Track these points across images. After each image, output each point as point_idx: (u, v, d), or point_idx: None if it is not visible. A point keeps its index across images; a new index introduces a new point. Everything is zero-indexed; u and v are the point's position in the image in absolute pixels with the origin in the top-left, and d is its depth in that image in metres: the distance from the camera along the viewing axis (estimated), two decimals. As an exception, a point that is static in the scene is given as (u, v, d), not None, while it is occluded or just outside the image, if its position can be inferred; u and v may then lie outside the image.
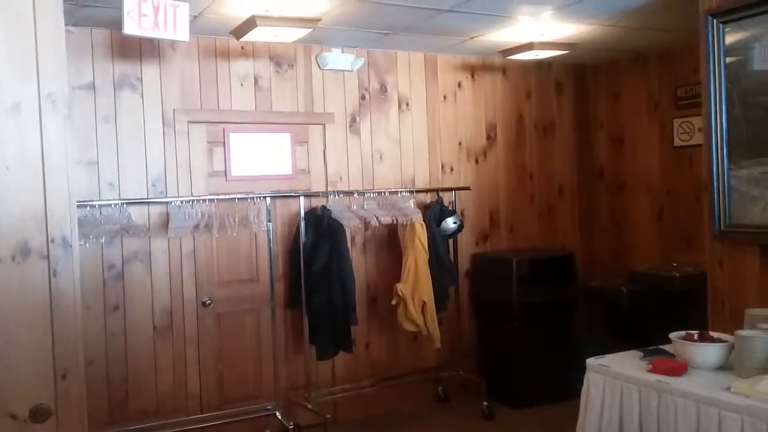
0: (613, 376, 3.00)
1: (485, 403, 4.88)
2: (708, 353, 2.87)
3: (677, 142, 5.36)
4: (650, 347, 3.28)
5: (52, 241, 2.01)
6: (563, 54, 4.92)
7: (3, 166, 1.93)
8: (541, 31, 4.46)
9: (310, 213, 4.56)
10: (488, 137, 5.55)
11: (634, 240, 5.75)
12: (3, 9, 1.94)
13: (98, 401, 4.00)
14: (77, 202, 3.69)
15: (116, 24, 3.37)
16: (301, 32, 3.73)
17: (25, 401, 1.93)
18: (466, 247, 5.36)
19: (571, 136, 5.96)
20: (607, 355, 3.23)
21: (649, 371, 2.91)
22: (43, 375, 1.97)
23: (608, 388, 3.01)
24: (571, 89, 5.95)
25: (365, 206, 4.68)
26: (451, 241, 5.14)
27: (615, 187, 5.92)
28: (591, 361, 3.16)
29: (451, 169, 5.36)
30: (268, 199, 4.39)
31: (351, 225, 4.58)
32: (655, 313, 4.79)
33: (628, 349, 3.31)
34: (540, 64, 5.62)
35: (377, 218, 4.60)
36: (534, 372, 5.04)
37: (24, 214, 1.96)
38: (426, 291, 4.69)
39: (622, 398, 2.92)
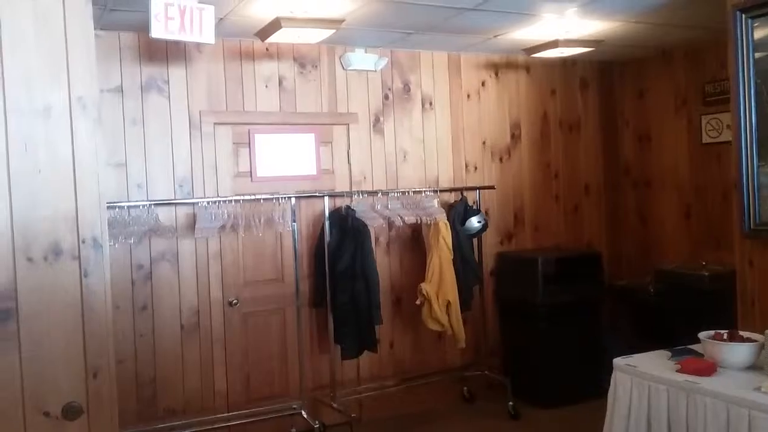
0: (640, 376, 2.98)
1: (511, 403, 4.86)
2: (737, 353, 2.84)
3: (705, 139, 5.28)
4: (678, 347, 3.25)
5: (83, 242, 2.05)
6: (588, 51, 4.87)
7: (35, 169, 1.98)
8: (565, 28, 4.42)
9: (335, 213, 4.58)
10: (512, 136, 5.52)
11: (661, 238, 5.68)
12: (34, 14, 1.98)
13: (127, 400, 4.06)
14: (106, 203, 3.78)
15: (143, 27, 3.42)
16: (325, 33, 3.75)
17: (57, 399, 1.97)
18: (490, 247, 5.34)
19: (596, 134, 5.91)
20: (634, 355, 3.20)
21: (678, 371, 2.88)
22: (74, 374, 2.01)
23: (636, 388, 2.98)
24: (596, 86, 5.90)
25: (389, 206, 4.68)
26: (475, 241, 5.13)
27: (642, 185, 5.85)
28: (618, 361, 3.14)
29: (475, 168, 5.34)
30: (293, 200, 4.43)
31: (375, 225, 4.59)
32: (684, 312, 4.73)
33: (656, 349, 3.27)
34: (564, 62, 5.58)
35: (401, 218, 4.61)
36: (560, 371, 5.00)
37: (56, 215, 2.00)
38: (450, 290, 4.69)
39: (650, 398, 2.90)
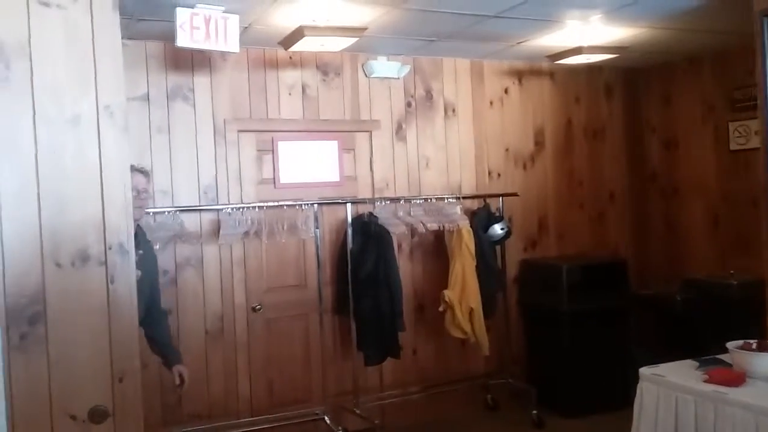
0: (667, 386, 2.94)
1: (535, 412, 4.82)
2: (767, 363, 2.78)
3: (733, 146, 5.20)
4: (706, 357, 3.20)
5: (110, 248, 2.08)
6: (613, 57, 4.83)
7: (64, 176, 2.02)
8: (590, 34, 4.39)
9: (357, 220, 4.60)
10: (536, 143, 5.50)
11: (688, 246, 5.60)
12: (63, 25, 2.02)
13: (152, 404, 4.10)
14: (132, 210, 3.84)
15: (169, 37, 3.48)
16: (348, 41, 3.78)
17: (84, 402, 2.00)
18: (514, 254, 5.31)
19: (621, 141, 5.86)
20: (661, 365, 3.16)
21: (706, 381, 2.84)
22: (101, 377, 2.04)
23: (663, 398, 2.95)
24: (621, 93, 5.85)
25: (412, 213, 4.69)
26: (498, 248, 5.10)
27: (668, 192, 5.78)
28: (644, 371, 3.10)
29: (499, 175, 5.32)
30: (316, 206, 4.45)
31: (398, 231, 4.59)
32: (711, 321, 4.65)
33: (683, 359, 3.23)
34: (589, 68, 5.54)
35: (424, 224, 4.61)
36: (585, 380, 4.94)
37: (83, 222, 2.04)
38: (473, 297, 4.67)
39: (677, 409, 2.86)
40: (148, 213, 3.92)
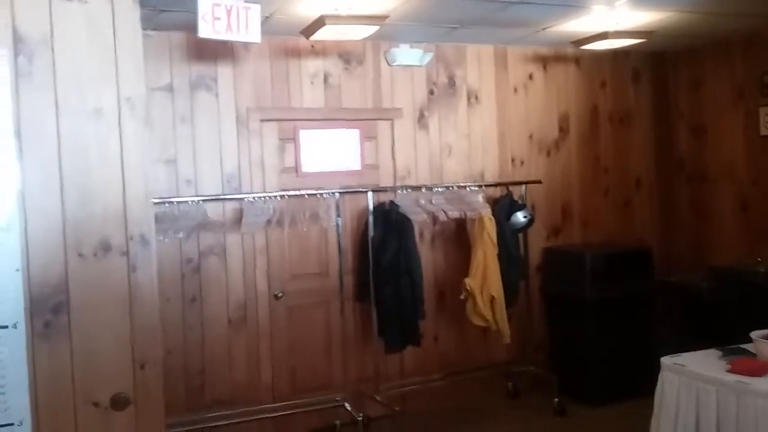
0: (689, 376, 2.91)
1: (556, 400, 4.81)
2: (792, 355, 2.74)
3: (764, 132, 5.09)
4: (730, 346, 3.16)
5: (131, 238, 2.12)
6: (640, 42, 4.74)
7: (86, 168, 2.05)
8: (615, 19, 4.31)
9: (379, 208, 4.60)
10: (560, 129, 5.43)
11: (716, 234, 5.51)
12: (85, 19, 2.05)
13: (176, 390, 4.17)
14: (157, 199, 3.90)
15: (192, 28, 3.48)
16: (370, 29, 3.76)
17: (106, 390, 2.05)
18: (537, 242, 5.28)
19: (649, 127, 5.76)
20: (683, 354, 3.13)
21: (728, 371, 2.81)
22: (123, 365, 2.09)
23: (684, 387, 2.92)
24: (648, 78, 5.75)
25: (433, 201, 4.67)
26: (521, 236, 5.07)
27: (696, 179, 5.68)
28: (666, 360, 3.08)
29: (522, 163, 5.28)
30: (337, 195, 4.46)
31: (419, 219, 4.59)
32: (738, 310, 4.58)
33: (710, 348, 3.19)
34: (616, 53, 5.45)
35: (445, 212, 4.60)
36: (607, 369, 4.91)
37: (105, 213, 2.08)
38: (495, 286, 4.65)
39: (699, 399, 2.83)
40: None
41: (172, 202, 4.08)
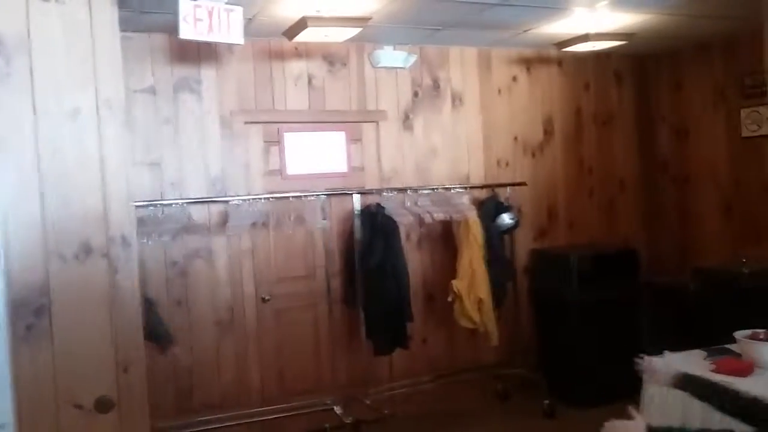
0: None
1: (546, 402, 4.81)
2: (775, 352, 2.76)
3: (745, 133, 5.14)
4: (715, 346, 3.18)
5: (112, 240, 2.11)
6: (621, 44, 4.78)
7: (65, 170, 2.04)
8: (596, 21, 4.35)
9: (365, 210, 4.59)
10: (545, 131, 5.46)
11: (700, 235, 5.55)
12: (62, 21, 2.04)
13: (164, 393, 4.14)
14: (141, 202, 3.88)
15: (174, 29, 3.47)
16: (352, 31, 3.76)
17: (89, 392, 2.03)
18: (524, 243, 5.29)
19: (632, 128, 5.81)
20: (667, 354, 3.13)
21: (713, 371, 2.82)
22: (106, 368, 2.08)
23: (669, 388, 2.92)
24: (631, 80, 5.79)
25: (419, 203, 4.68)
26: (508, 237, 5.09)
27: (680, 180, 5.72)
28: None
29: (507, 164, 5.30)
30: (323, 197, 4.46)
31: (405, 222, 4.59)
32: (723, 311, 4.60)
33: (695, 348, 3.20)
34: (598, 55, 5.49)
35: (431, 214, 4.60)
36: (596, 370, 4.92)
37: (85, 215, 2.07)
38: (482, 287, 4.66)
39: (684, 399, 2.83)
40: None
41: (157, 205, 4.05)
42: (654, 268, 5.64)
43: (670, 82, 5.74)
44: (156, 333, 3.77)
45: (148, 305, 3.57)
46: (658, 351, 3.22)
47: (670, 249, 5.76)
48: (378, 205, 4.59)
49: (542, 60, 5.41)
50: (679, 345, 3.35)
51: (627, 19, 4.38)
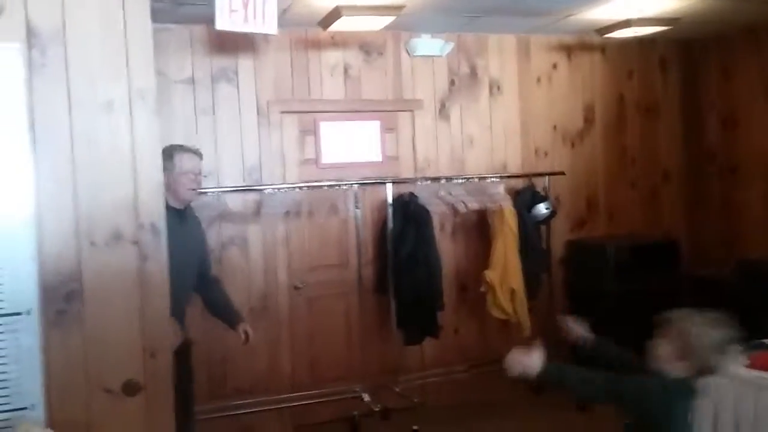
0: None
1: (579, 394, 4.75)
2: (814, 350, 2.67)
3: (796, 122, 4.94)
4: (753, 341, 3.09)
5: (142, 227, 2.15)
6: (667, 29, 4.63)
7: (98, 159, 2.09)
8: (639, 6, 4.22)
9: (398, 199, 4.59)
10: (585, 120, 5.35)
11: (746, 226, 5.36)
12: (97, 12, 2.08)
13: (198, 378, 4.20)
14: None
15: (212, 20, 3.52)
16: (386, 20, 3.75)
17: (117, 376, 2.09)
18: (560, 234, 5.21)
19: (677, 117, 5.64)
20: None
21: (748, 366, 2.74)
22: (134, 353, 2.13)
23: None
24: (677, 67, 5.62)
25: (453, 192, 4.65)
26: (544, 228, 5.02)
27: (727, 171, 5.54)
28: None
29: (546, 154, 5.22)
30: (356, 186, 4.47)
31: (437, 211, 4.58)
32: (766, 304, 4.46)
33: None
34: (642, 41, 5.33)
35: (464, 204, 4.57)
36: (631, 363, 4.83)
37: (116, 203, 2.11)
38: (515, 278, 4.61)
39: (716, 394, 2.77)
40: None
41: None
42: (697, 261, 5.49)
43: (718, 69, 5.54)
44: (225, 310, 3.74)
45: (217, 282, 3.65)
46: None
47: (714, 241, 5.59)
48: (411, 194, 4.58)
49: (584, 47, 5.29)
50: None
51: (671, 4, 4.24)
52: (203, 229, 3.59)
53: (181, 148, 3.28)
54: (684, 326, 2.30)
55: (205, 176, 3.36)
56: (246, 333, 3.43)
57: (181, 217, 3.20)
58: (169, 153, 3.23)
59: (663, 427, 2.19)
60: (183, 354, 3.31)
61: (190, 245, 3.27)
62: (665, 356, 2.24)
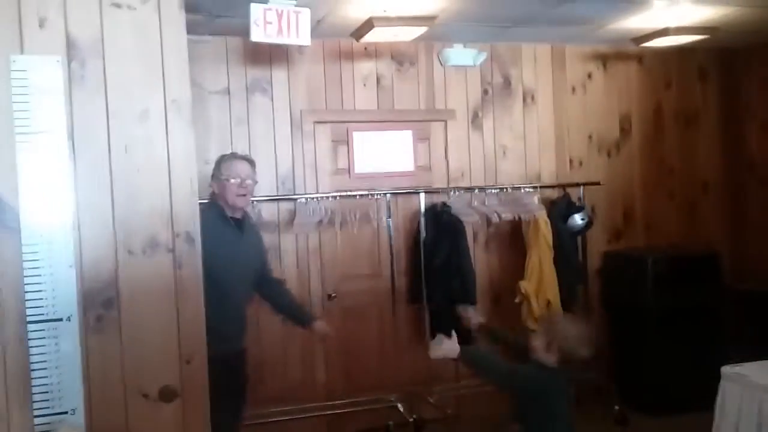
0: (751, 387, 2.77)
1: (617, 408, 4.66)
2: None
3: (842, 131, 4.79)
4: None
5: (177, 236, 2.18)
6: (705, 38, 4.55)
7: (134, 169, 2.13)
8: (677, 15, 4.16)
9: (431, 209, 4.58)
10: (622, 130, 5.28)
11: (791, 239, 5.22)
12: (134, 25, 2.13)
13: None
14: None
15: (247, 32, 3.58)
16: (419, 30, 3.76)
17: (154, 382, 2.12)
18: (597, 245, 5.13)
19: (717, 128, 5.52)
20: (745, 363, 2.98)
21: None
22: (170, 359, 2.15)
23: (746, 398, 2.79)
24: (717, 76, 5.51)
25: (486, 202, 4.62)
26: (580, 239, 4.95)
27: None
28: (726, 370, 2.95)
29: (581, 164, 5.15)
30: (389, 196, 4.48)
31: (470, 221, 4.55)
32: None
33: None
34: (681, 50, 5.23)
35: (498, 214, 4.54)
36: (672, 378, 4.71)
37: (152, 211, 2.15)
38: (551, 290, 4.56)
39: (761, 410, 2.69)
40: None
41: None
42: (739, 275, 5.35)
43: (760, 78, 5.41)
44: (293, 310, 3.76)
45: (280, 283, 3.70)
46: (737, 361, 3.08)
47: (756, 253, 5.44)
48: (443, 204, 4.57)
49: (620, 56, 5.23)
50: (763, 355, 3.18)
51: (710, 13, 4.16)
52: (261, 236, 3.65)
53: (230, 156, 3.35)
54: (551, 323, 2.94)
55: (250, 182, 3.36)
56: (321, 331, 3.57)
57: (239, 226, 3.26)
58: (218, 161, 3.30)
59: (540, 402, 2.71)
60: (239, 358, 3.35)
61: (249, 252, 3.34)
62: (538, 347, 2.73)
